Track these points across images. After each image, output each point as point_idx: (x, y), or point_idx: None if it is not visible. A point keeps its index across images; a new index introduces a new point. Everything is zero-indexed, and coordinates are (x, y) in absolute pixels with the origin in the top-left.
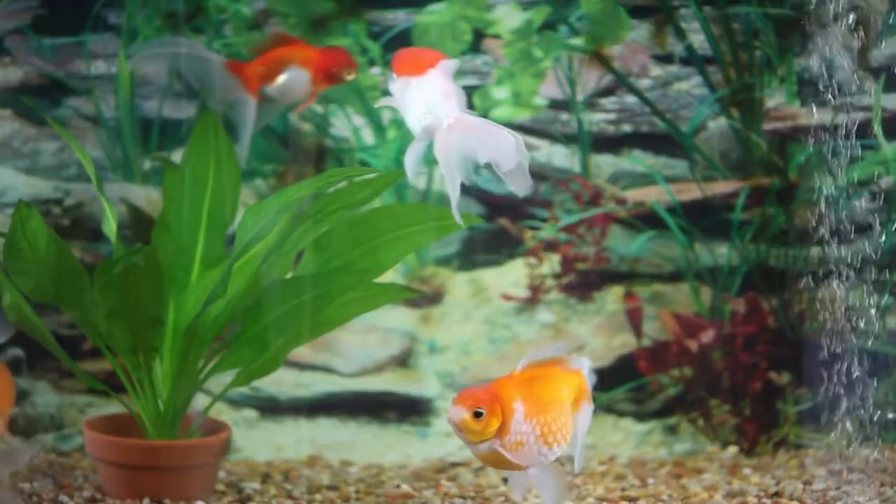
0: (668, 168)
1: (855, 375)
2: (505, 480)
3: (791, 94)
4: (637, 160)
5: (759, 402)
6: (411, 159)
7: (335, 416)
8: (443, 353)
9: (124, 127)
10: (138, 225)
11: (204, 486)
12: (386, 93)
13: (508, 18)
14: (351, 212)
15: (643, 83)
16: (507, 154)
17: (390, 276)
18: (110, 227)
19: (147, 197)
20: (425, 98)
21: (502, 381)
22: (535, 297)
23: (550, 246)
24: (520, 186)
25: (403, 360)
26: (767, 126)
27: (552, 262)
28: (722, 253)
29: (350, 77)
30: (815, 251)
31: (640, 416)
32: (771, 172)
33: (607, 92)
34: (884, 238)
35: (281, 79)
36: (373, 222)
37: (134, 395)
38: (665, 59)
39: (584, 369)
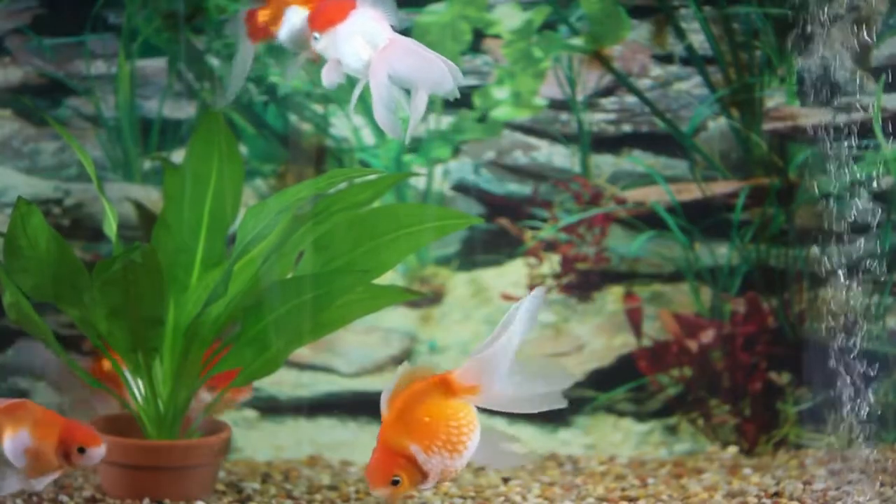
0: (668, 168)
1: (855, 375)
2: (505, 480)
3: (791, 94)
4: (637, 160)
5: (759, 402)
6: (381, 110)
7: (335, 416)
8: (443, 353)
9: (124, 127)
10: (147, 224)
11: (204, 486)
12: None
13: (508, 18)
14: (352, 212)
15: (643, 83)
16: (442, 78)
17: (390, 277)
18: (111, 227)
19: (147, 197)
20: (361, 32)
21: (384, 437)
22: None
23: (550, 246)
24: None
25: (403, 361)
26: (767, 126)
27: (552, 262)
28: (722, 253)
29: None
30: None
31: (640, 416)
32: (771, 172)
33: (607, 92)
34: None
35: (283, 21)
36: (373, 222)
37: (134, 395)
38: (665, 59)
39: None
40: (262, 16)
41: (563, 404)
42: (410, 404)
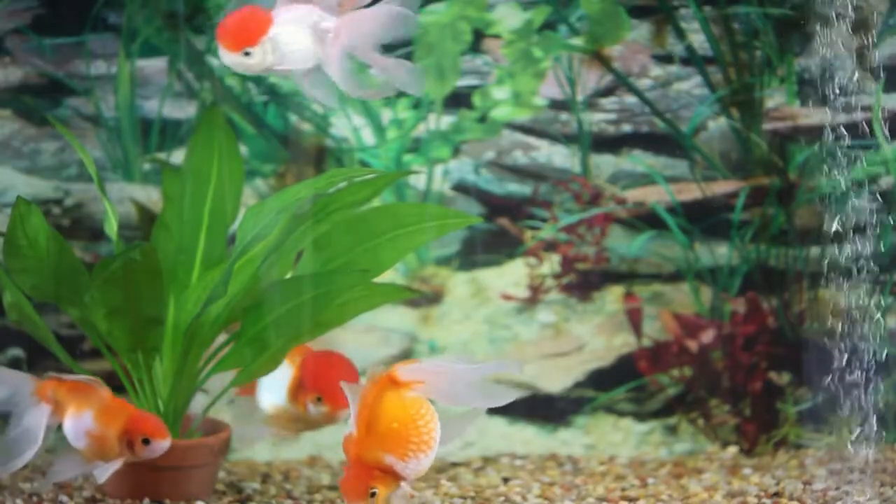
0: (668, 168)
1: (856, 375)
2: (505, 480)
3: (791, 94)
4: (637, 160)
5: (759, 402)
6: (345, 82)
7: None
8: (443, 353)
9: (124, 127)
10: (147, 224)
11: (204, 486)
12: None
13: (508, 18)
14: (351, 211)
15: (643, 83)
16: (398, 22)
17: (390, 276)
18: (111, 227)
19: (147, 197)
20: (302, 27)
21: (357, 449)
22: (535, 297)
23: (550, 246)
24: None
25: (403, 360)
26: (767, 126)
27: (552, 262)
28: (722, 253)
29: None
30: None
31: (640, 416)
32: (771, 172)
33: (607, 92)
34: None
35: None
36: (372, 222)
37: (134, 394)
38: (665, 59)
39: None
40: None
41: (511, 397)
42: (376, 415)
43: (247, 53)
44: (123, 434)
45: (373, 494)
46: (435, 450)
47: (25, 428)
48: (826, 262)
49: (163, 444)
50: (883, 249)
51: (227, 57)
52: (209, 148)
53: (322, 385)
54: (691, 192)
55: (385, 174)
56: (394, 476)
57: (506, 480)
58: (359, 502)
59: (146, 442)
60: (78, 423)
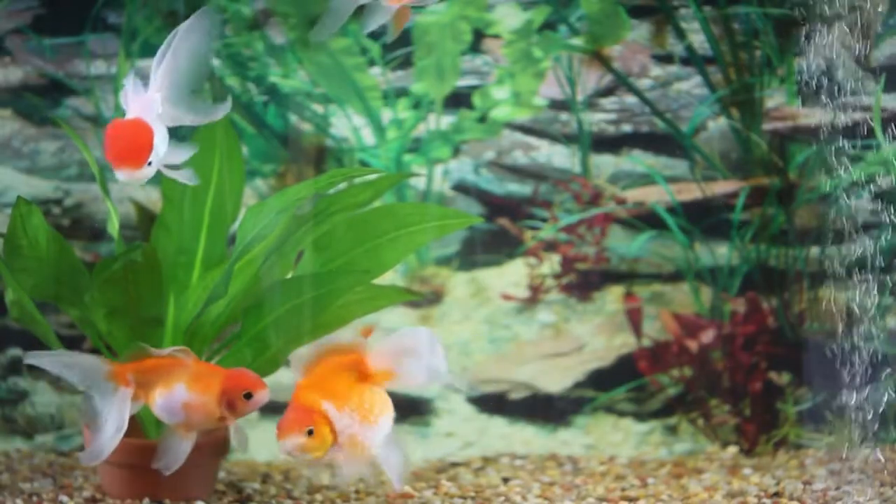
0: (668, 168)
1: (856, 375)
2: (505, 480)
3: (791, 94)
4: (637, 160)
5: (759, 402)
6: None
7: None
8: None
9: None
10: (147, 224)
11: (204, 486)
12: (387, 95)
13: (508, 18)
14: (352, 212)
15: (643, 83)
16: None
17: (390, 276)
18: (114, 227)
19: (147, 197)
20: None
21: (299, 393)
22: (535, 297)
23: (550, 246)
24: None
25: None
26: (767, 126)
27: (552, 262)
28: (722, 253)
29: None
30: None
31: (640, 416)
32: (771, 172)
33: (607, 92)
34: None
35: None
36: (373, 222)
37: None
38: (665, 59)
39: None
40: None
41: (463, 386)
42: (326, 372)
43: (149, 163)
44: (223, 395)
45: (309, 433)
46: (376, 432)
47: (107, 415)
48: (834, 261)
49: (264, 394)
50: (883, 249)
51: (125, 174)
52: (210, 148)
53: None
54: (691, 192)
55: (387, 176)
56: (330, 428)
57: (506, 480)
58: (293, 435)
59: (248, 396)
60: (170, 399)
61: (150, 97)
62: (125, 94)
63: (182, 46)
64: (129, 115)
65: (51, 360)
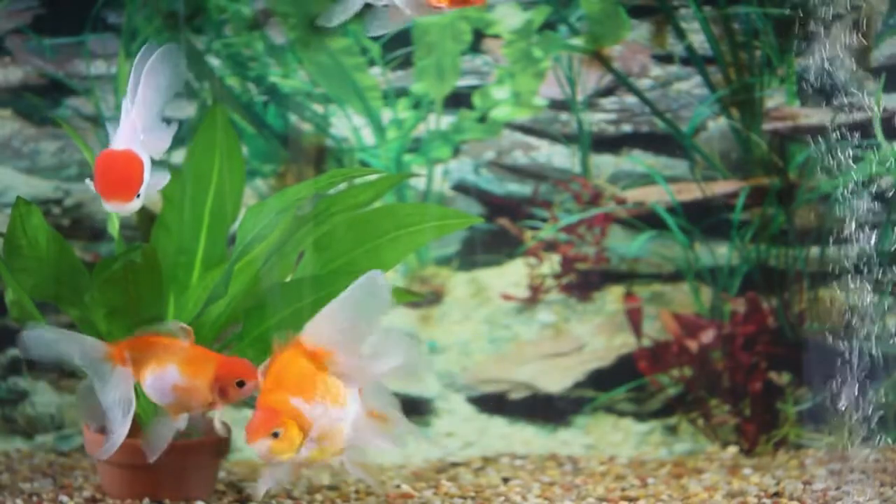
0: (668, 168)
1: (856, 376)
2: (505, 480)
3: (791, 94)
4: (637, 160)
5: (759, 402)
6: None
7: None
8: (443, 353)
9: None
10: (146, 224)
11: (204, 486)
12: (387, 95)
13: (508, 18)
14: (352, 212)
15: (643, 83)
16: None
17: (390, 276)
18: (114, 226)
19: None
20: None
21: (265, 395)
22: (535, 297)
23: (550, 246)
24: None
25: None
26: (767, 126)
27: (552, 262)
28: (722, 253)
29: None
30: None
31: (640, 416)
32: (771, 172)
33: (607, 92)
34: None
35: None
36: (373, 222)
37: (134, 395)
38: (665, 59)
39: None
40: None
41: (420, 380)
42: (283, 370)
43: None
44: (216, 381)
45: (275, 435)
46: (346, 413)
47: (112, 400)
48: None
49: (256, 384)
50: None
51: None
52: (210, 148)
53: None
54: (691, 192)
55: (387, 176)
56: (304, 421)
57: (506, 480)
58: (261, 439)
59: (241, 384)
60: (161, 379)
61: (134, 125)
62: (112, 124)
63: (152, 79)
64: (118, 146)
65: (49, 338)
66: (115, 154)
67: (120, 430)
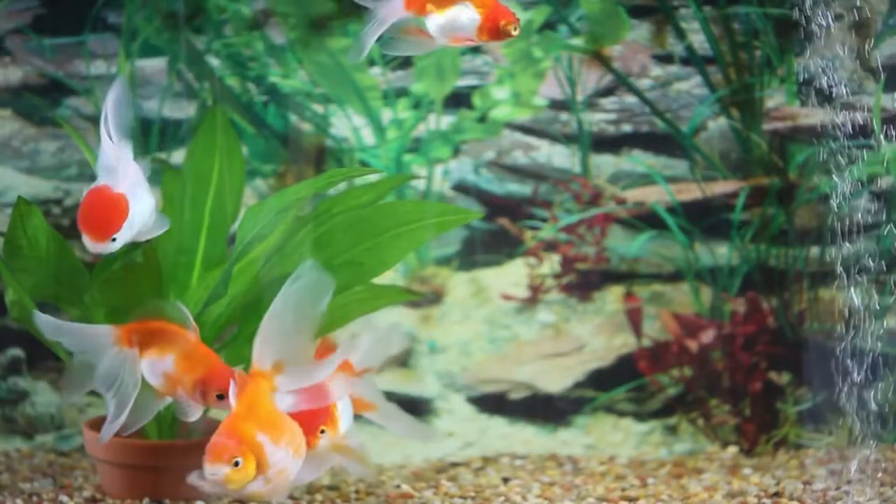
0: (668, 168)
1: (855, 376)
2: (505, 480)
3: (791, 94)
4: (637, 160)
5: (759, 402)
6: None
7: None
8: (443, 353)
9: None
10: None
11: None
12: (387, 95)
13: None
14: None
15: (643, 83)
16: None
17: (390, 276)
18: None
19: None
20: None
21: (235, 421)
22: (535, 297)
23: (550, 246)
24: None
25: (403, 360)
26: (767, 126)
27: (552, 262)
28: (722, 253)
29: (515, 33)
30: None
31: (640, 416)
32: (771, 172)
33: (607, 92)
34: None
35: (450, 12)
36: (373, 220)
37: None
38: (665, 59)
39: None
40: None
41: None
42: (258, 400)
43: (114, 239)
44: (199, 384)
45: (236, 464)
46: (298, 465)
47: (118, 381)
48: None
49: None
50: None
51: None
52: (210, 148)
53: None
54: (691, 192)
55: (389, 178)
56: (262, 461)
57: (506, 480)
58: (220, 464)
59: (220, 398)
60: (156, 364)
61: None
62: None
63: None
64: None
65: (59, 324)
66: (100, 193)
67: (125, 412)
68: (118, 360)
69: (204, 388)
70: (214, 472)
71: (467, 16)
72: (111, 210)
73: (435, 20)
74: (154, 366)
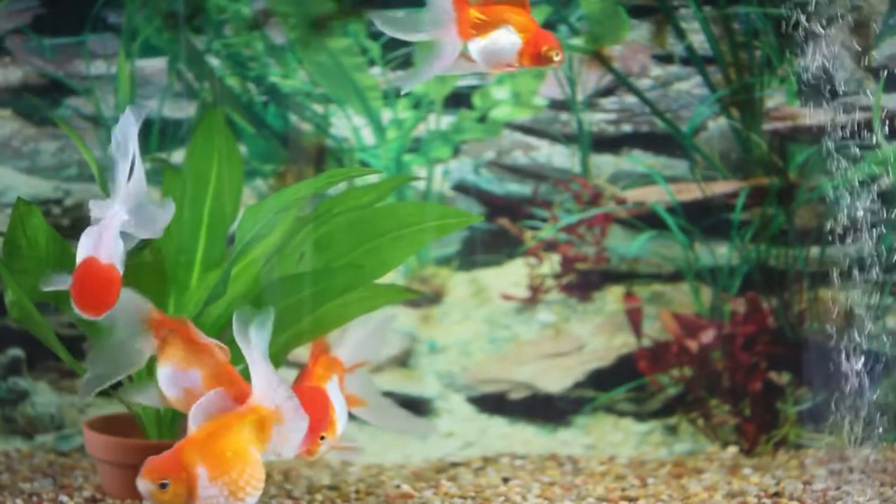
0: (668, 168)
1: (856, 376)
2: (505, 480)
3: (791, 94)
4: (637, 160)
5: (759, 402)
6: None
7: None
8: (443, 353)
9: None
10: None
11: None
12: (387, 95)
13: None
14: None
15: (643, 83)
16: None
17: (391, 276)
18: None
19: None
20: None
21: (184, 445)
22: (535, 297)
23: (550, 246)
24: None
25: (403, 360)
26: (767, 126)
27: (552, 262)
28: (722, 253)
29: (557, 59)
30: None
31: (640, 416)
32: (771, 172)
33: (607, 92)
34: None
35: (491, 35)
36: (374, 222)
37: None
38: (665, 59)
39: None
40: (475, 16)
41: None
42: (221, 430)
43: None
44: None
45: (163, 486)
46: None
47: (128, 350)
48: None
49: None
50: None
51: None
52: (209, 149)
53: None
54: (691, 192)
55: (390, 178)
56: (192, 492)
57: (506, 480)
58: (149, 482)
59: None
60: (179, 376)
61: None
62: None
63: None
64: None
65: None
66: (97, 267)
67: (108, 377)
68: (137, 336)
69: None
70: (142, 486)
71: (509, 39)
72: (106, 287)
73: (476, 44)
74: (176, 377)
